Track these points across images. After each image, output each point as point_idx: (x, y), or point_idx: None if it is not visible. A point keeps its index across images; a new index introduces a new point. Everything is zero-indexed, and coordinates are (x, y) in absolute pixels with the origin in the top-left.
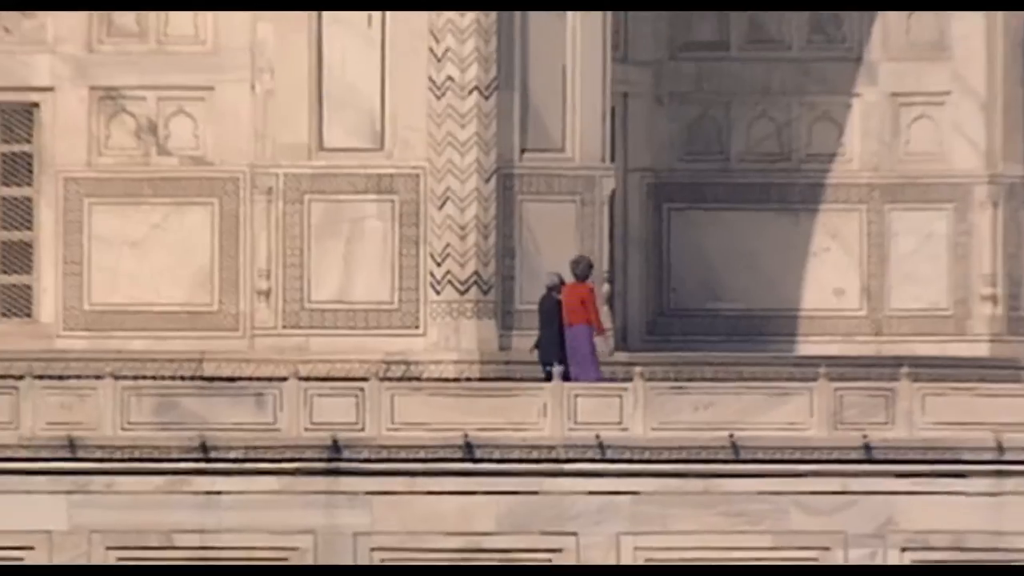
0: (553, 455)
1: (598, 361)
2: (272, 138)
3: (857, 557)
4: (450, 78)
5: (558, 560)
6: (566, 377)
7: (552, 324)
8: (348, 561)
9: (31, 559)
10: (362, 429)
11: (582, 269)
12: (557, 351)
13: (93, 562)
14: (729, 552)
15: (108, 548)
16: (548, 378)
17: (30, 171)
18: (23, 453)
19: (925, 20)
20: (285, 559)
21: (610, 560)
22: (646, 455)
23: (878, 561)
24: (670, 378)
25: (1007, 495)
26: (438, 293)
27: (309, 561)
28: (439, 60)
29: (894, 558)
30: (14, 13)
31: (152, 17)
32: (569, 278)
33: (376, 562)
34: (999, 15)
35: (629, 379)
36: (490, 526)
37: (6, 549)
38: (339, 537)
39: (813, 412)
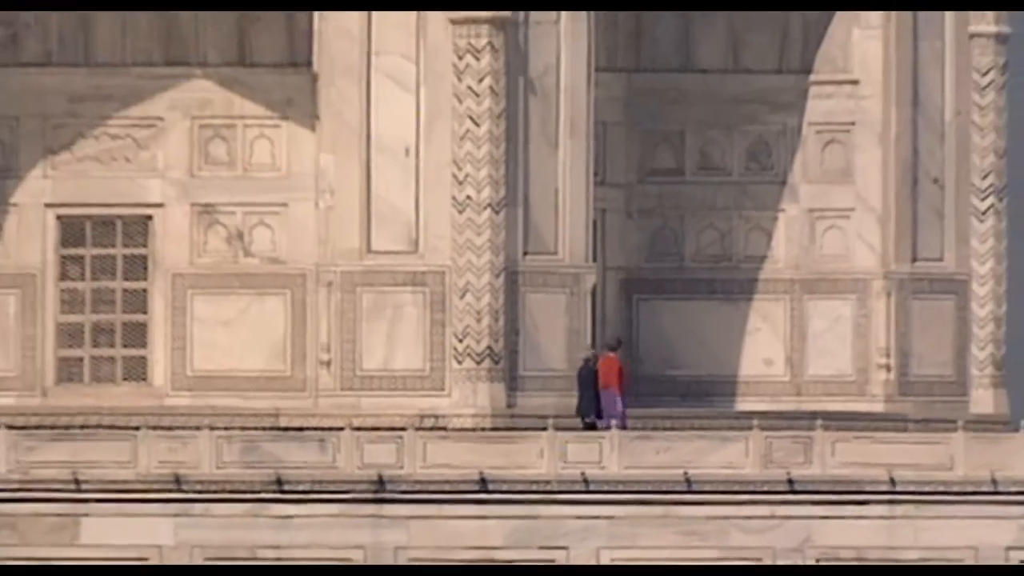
0: (548, 488)
1: (626, 415)
2: (332, 243)
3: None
4: (469, 197)
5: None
6: (595, 427)
7: (589, 387)
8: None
9: None
10: (401, 467)
11: (614, 345)
12: (595, 407)
13: None
14: (683, 562)
15: (205, 559)
16: (588, 428)
17: (145, 269)
18: (140, 486)
19: (835, 151)
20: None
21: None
22: (620, 488)
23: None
24: (638, 428)
25: (897, 519)
26: (459, 363)
27: None
28: (460, 183)
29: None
30: (129, 143)
31: (239, 148)
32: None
33: None
34: (891, 150)
35: (607, 429)
36: (500, 542)
37: (128, 559)
38: (383, 551)
39: (748, 454)
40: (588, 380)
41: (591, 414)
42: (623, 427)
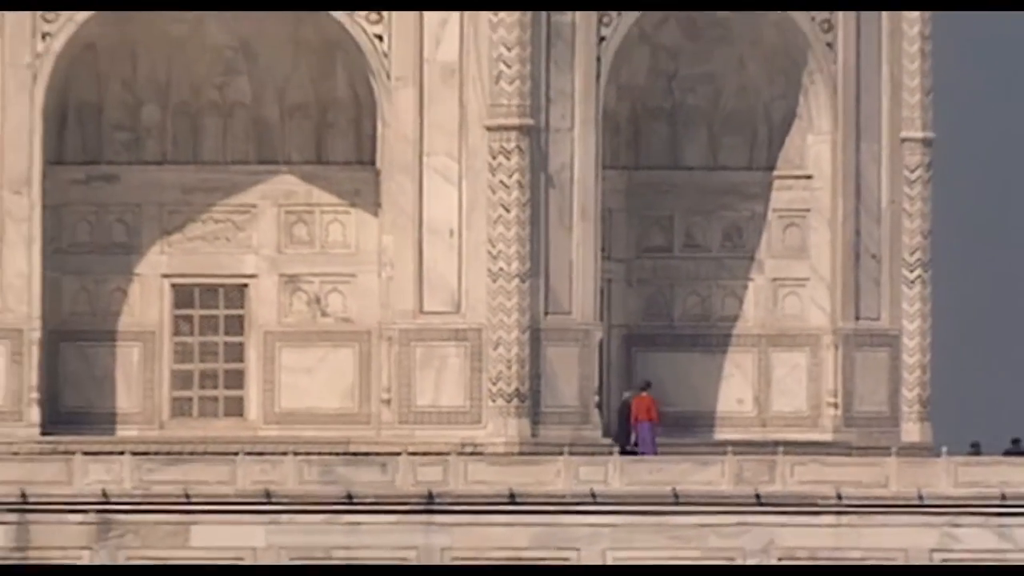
0: (564, 501)
1: (655, 444)
2: (391, 306)
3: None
4: (501, 268)
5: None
6: (633, 452)
7: (623, 422)
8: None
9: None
10: (447, 485)
11: (644, 387)
12: (625, 437)
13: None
14: (671, 561)
15: (290, 559)
16: (625, 453)
17: (242, 327)
18: (238, 500)
19: (794, 233)
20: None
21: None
22: (621, 501)
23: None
24: (636, 453)
25: (843, 526)
26: (493, 401)
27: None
28: (494, 258)
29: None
30: (229, 225)
31: (317, 230)
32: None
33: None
34: (839, 232)
35: (611, 453)
36: (525, 544)
37: (227, 558)
38: (432, 552)
39: (724, 474)
40: (623, 419)
41: (624, 443)
42: (654, 453)
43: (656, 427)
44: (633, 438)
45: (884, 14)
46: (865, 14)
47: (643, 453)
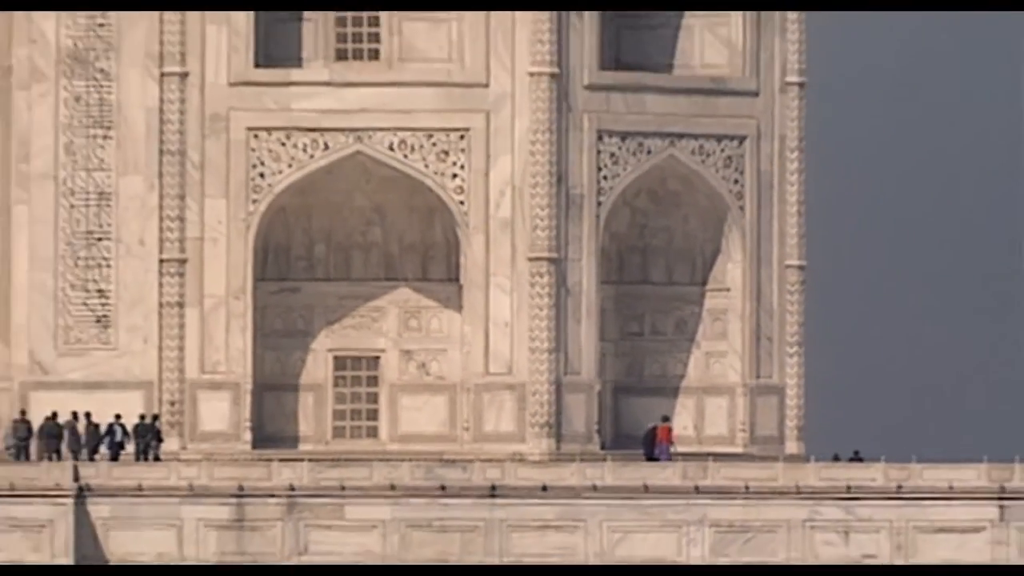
0: (576, 490)
1: (670, 455)
2: (469, 369)
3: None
4: (536, 346)
5: (582, 526)
6: (656, 459)
7: (649, 443)
8: (495, 537)
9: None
10: (504, 480)
11: (665, 419)
12: (651, 453)
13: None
14: (644, 527)
15: (407, 527)
16: (648, 459)
17: (376, 382)
18: (373, 489)
19: (718, 325)
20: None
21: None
22: (612, 490)
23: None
24: (619, 460)
25: (750, 506)
26: (532, 429)
27: (489, 535)
28: (532, 340)
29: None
30: (368, 319)
31: (423, 322)
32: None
33: (512, 537)
34: (747, 323)
35: (605, 460)
36: (552, 517)
37: (367, 527)
38: (495, 523)
39: (675, 473)
40: (649, 439)
41: (649, 454)
42: (669, 459)
43: (671, 445)
44: (657, 451)
45: (775, 187)
46: (764, 188)
47: (662, 460)
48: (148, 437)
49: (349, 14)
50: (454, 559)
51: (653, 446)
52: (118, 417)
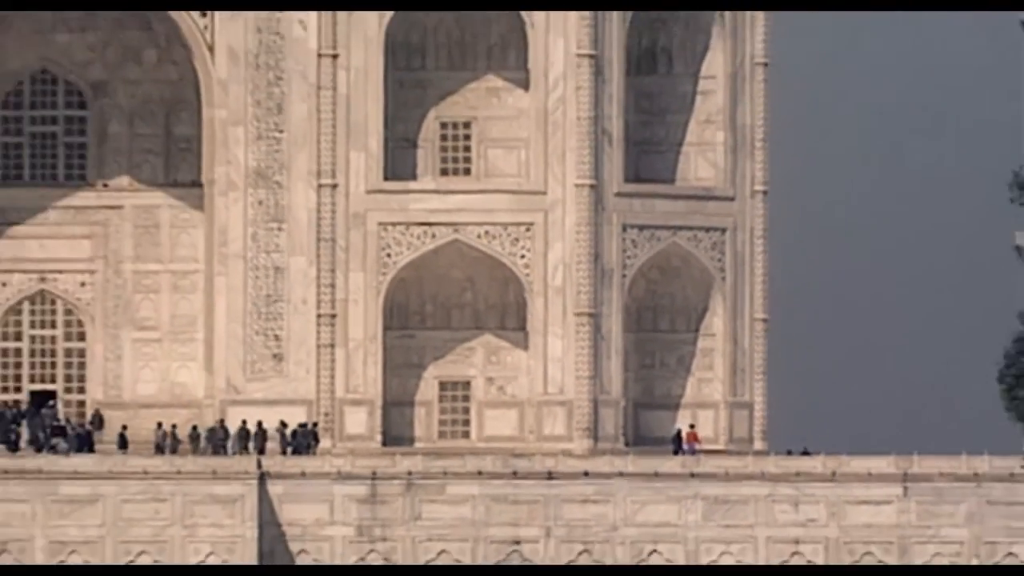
0: (607, 475)
1: (696, 452)
2: (532, 390)
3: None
4: (580, 376)
5: (609, 513)
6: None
7: (677, 443)
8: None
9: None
10: (558, 468)
11: (691, 426)
12: (679, 449)
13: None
14: (654, 503)
15: (492, 501)
16: (675, 453)
17: (468, 400)
18: (466, 474)
19: (707, 361)
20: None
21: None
22: (633, 475)
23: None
24: (637, 453)
25: (730, 485)
26: (578, 432)
27: (539, 517)
28: (577, 370)
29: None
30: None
31: (501, 356)
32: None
33: (563, 507)
34: (727, 361)
35: (628, 454)
36: (591, 493)
37: (458, 502)
38: (550, 498)
39: (677, 463)
40: (676, 440)
41: (677, 450)
42: (693, 453)
43: (695, 444)
44: (685, 448)
45: (747, 264)
46: (739, 265)
47: (688, 454)
48: (308, 439)
49: (449, 143)
50: (523, 523)
51: (680, 445)
52: (284, 424)
